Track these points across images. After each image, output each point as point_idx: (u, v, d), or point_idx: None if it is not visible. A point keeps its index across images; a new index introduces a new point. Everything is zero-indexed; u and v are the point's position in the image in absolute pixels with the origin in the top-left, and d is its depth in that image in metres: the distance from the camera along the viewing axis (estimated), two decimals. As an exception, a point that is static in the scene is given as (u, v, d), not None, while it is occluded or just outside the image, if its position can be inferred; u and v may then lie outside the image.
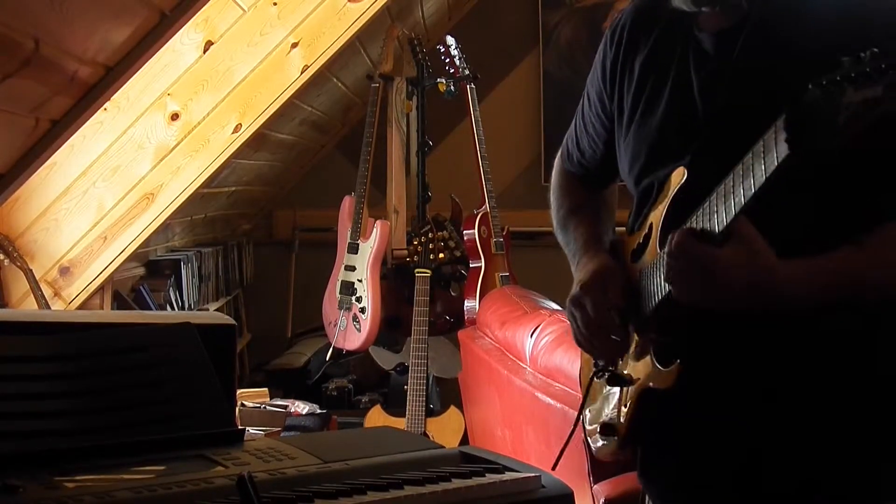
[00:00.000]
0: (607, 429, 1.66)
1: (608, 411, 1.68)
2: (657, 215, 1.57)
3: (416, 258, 4.32)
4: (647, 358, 1.57)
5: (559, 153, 1.95)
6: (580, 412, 1.77)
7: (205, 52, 3.20)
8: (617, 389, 1.66)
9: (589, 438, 1.75)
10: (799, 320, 1.45)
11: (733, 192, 1.34)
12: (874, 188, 1.43)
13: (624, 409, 1.63)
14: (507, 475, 1.59)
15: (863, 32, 1.40)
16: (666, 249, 1.42)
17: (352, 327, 4.73)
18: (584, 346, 1.70)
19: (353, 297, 4.73)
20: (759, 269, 1.37)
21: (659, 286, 1.52)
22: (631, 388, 1.61)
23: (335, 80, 4.78)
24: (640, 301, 1.60)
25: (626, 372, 1.63)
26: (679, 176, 1.53)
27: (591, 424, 1.74)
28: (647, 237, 1.60)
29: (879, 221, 1.42)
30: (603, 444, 1.70)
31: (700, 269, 1.39)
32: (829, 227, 1.43)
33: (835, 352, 1.48)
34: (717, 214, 1.38)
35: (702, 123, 1.54)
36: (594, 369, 1.72)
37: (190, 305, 4.43)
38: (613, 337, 1.63)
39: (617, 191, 1.92)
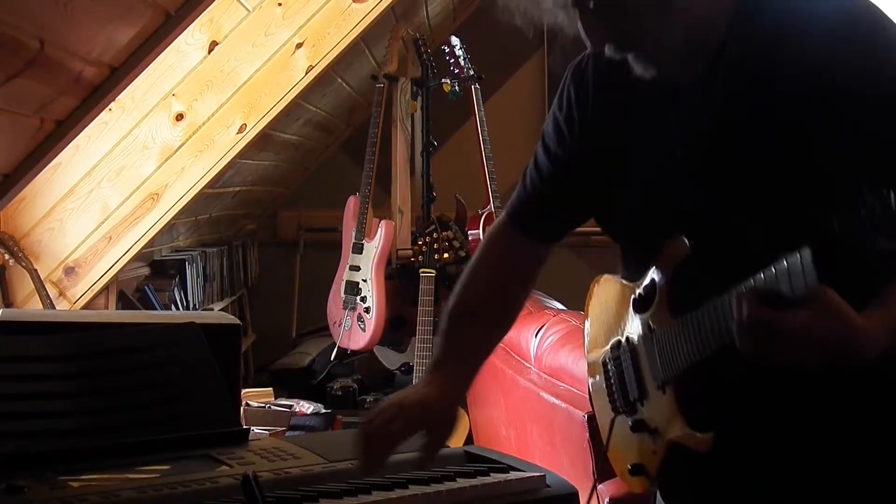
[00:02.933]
0: (638, 469, 1.64)
1: (638, 450, 1.65)
2: (661, 280, 1.55)
3: (420, 258, 4.32)
4: (677, 416, 1.54)
5: (507, 211, 1.77)
6: (605, 450, 1.74)
7: (210, 52, 3.20)
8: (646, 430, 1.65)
9: (619, 474, 1.73)
10: (839, 387, 1.42)
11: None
12: None
13: (653, 454, 1.61)
14: (512, 475, 1.59)
15: (831, 96, 1.37)
16: (737, 319, 1.34)
17: (356, 327, 4.73)
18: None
19: (358, 297, 4.73)
20: (843, 327, 1.29)
21: (684, 355, 1.50)
22: (660, 437, 1.59)
23: (340, 80, 4.78)
24: (657, 361, 1.57)
25: (650, 419, 1.61)
26: (682, 248, 1.50)
27: (620, 459, 1.72)
28: (650, 292, 1.58)
29: None
30: (634, 481, 1.68)
31: (782, 336, 1.30)
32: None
33: (879, 417, 1.46)
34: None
35: (690, 181, 1.50)
36: (612, 412, 1.70)
37: (195, 305, 4.43)
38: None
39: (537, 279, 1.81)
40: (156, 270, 4.25)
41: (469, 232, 4.92)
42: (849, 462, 1.48)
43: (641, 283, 1.60)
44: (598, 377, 1.76)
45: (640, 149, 1.56)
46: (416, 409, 1.56)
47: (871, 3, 1.45)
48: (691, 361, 1.49)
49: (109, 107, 2.86)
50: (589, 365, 1.81)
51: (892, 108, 1.37)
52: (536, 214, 1.74)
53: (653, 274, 1.57)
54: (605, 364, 1.72)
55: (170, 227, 3.93)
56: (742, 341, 1.34)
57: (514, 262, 1.76)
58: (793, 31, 1.42)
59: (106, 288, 3.31)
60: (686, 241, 1.50)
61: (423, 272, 4.29)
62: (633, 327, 1.63)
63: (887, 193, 1.12)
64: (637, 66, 1.47)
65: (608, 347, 1.70)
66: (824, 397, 1.44)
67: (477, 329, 1.71)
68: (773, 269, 1.30)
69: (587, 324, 1.82)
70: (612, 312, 1.71)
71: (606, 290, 1.74)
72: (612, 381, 1.69)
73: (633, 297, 1.62)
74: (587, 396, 1.86)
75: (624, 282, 1.67)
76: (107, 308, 3.36)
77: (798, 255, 1.25)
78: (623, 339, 1.66)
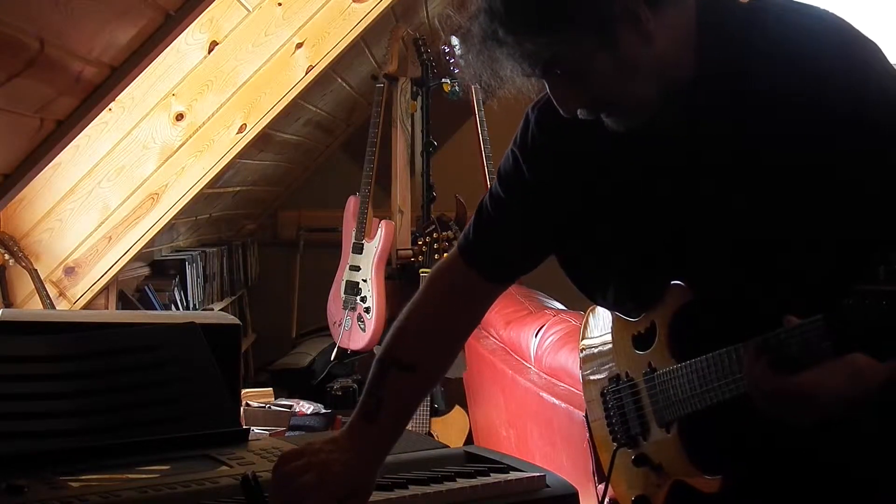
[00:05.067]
0: (642, 501, 1.65)
1: (642, 483, 1.66)
2: (662, 322, 1.55)
3: (420, 258, 4.32)
4: (682, 456, 1.55)
5: (459, 246, 1.69)
6: (606, 483, 1.74)
7: (210, 52, 3.21)
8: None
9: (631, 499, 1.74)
10: (851, 434, 1.42)
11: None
12: None
13: (658, 488, 1.61)
14: (512, 475, 1.59)
15: (826, 126, 1.35)
16: (749, 382, 1.35)
17: (356, 327, 4.73)
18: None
19: (358, 297, 4.73)
20: (854, 373, 1.28)
21: (688, 400, 1.50)
22: (665, 474, 1.60)
23: (340, 80, 4.78)
24: (659, 401, 1.57)
25: (653, 455, 1.62)
26: (685, 295, 1.50)
27: (623, 490, 1.72)
28: (651, 332, 1.58)
29: None
30: None
31: (798, 400, 1.31)
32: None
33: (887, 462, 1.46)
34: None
35: (677, 226, 1.49)
36: (613, 444, 1.70)
37: (195, 305, 4.43)
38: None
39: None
40: (156, 270, 4.25)
41: (469, 232, 4.91)
42: None
43: (641, 322, 1.60)
44: (594, 404, 1.76)
45: (623, 193, 1.53)
46: (341, 481, 1.44)
47: (842, 19, 1.42)
48: (696, 407, 1.49)
49: (109, 107, 2.86)
50: (584, 387, 1.81)
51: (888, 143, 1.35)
52: (492, 254, 1.65)
53: (652, 315, 1.57)
54: (603, 395, 1.72)
55: (170, 227, 3.93)
56: (761, 405, 1.34)
57: (462, 300, 1.65)
58: (771, 56, 1.38)
59: (106, 288, 3.31)
60: (689, 289, 1.49)
61: (423, 272, 4.29)
62: (634, 363, 1.63)
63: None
64: (611, 123, 1.43)
65: (606, 379, 1.71)
66: (835, 443, 1.43)
67: (416, 381, 1.59)
68: (787, 331, 1.30)
69: (583, 346, 1.82)
70: (609, 344, 1.71)
71: (604, 320, 1.74)
72: (612, 413, 1.69)
73: (633, 333, 1.62)
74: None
75: (621, 316, 1.66)
76: (107, 308, 3.36)
77: (814, 321, 1.25)
78: (622, 374, 1.66)
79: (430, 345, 1.61)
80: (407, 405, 1.59)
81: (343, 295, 4.77)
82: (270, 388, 4.30)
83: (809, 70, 1.36)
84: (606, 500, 2.35)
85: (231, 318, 1.91)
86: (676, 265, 1.50)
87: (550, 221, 1.61)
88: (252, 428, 2.18)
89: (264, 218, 5.98)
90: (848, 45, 1.39)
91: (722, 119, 1.41)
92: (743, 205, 1.41)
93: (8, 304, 3.08)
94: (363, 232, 4.75)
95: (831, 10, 1.43)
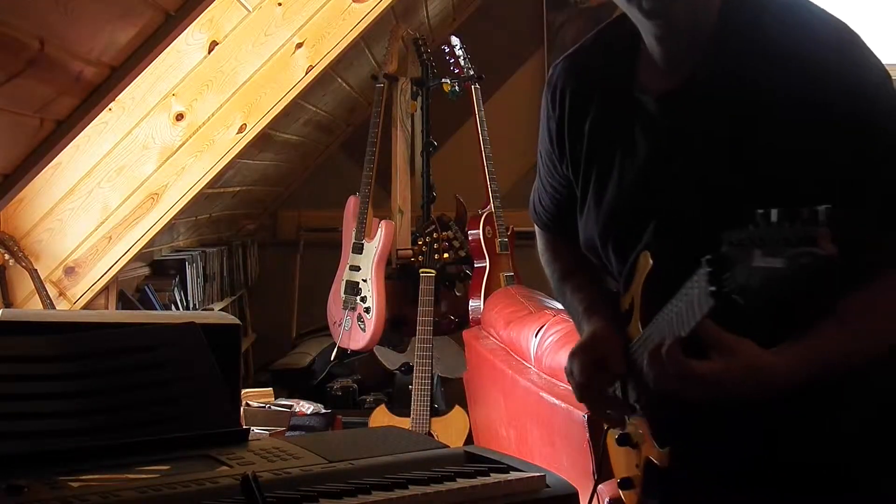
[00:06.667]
0: (627, 483, 1.66)
1: (625, 464, 1.68)
2: (636, 293, 1.56)
3: (420, 258, 4.32)
4: (647, 429, 1.56)
5: (531, 217, 1.91)
6: (598, 464, 1.75)
7: (210, 52, 3.21)
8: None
9: (617, 482, 1.75)
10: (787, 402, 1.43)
11: (677, 320, 1.34)
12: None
13: (637, 468, 1.62)
14: (512, 475, 1.58)
15: (818, 105, 1.38)
16: (648, 370, 1.38)
17: (356, 327, 4.73)
18: (583, 403, 1.68)
19: (358, 297, 4.73)
20: (752, 370, 1.33)
21: (640, 371, 1.50)
22: (640, 452, 1.61)
23: (340, 80, 4.78)
24: (633, 375, 1.58)
25: (634, 433, 1.62)
26: (645, 264, 1.51)
27: (615, 471, 1.74)
28: (632, 305, 1.59)
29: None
30: (625, 494, 1.70)
31: (694, 385, 1.35)
32: None
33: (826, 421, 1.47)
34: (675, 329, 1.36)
35: (655, 199, 1.52)
36: (605, 425, 1.72)
37: (195, 305, 4.43)
38: (606, 396, 1.61)
39: None
40: (156, 270, 4.25)
41: (469, 232, 4.92)
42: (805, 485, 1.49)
43: (626, 297, 1.61)
44: None
45: (609, 165, 1.58)
46: (591, 342, 1.63)
47: (837, 17, 1.45)
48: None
49: (109, 107, 2.86)
50: None
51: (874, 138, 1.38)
52: (560, 222, 1.82)
53: (632, 286, 1.59)
54: None
55: (170, 227, 3.94)
56: (658, 386, 1.39)
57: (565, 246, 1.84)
58: (782, 34, 1.42)
59: (106, 288, 3.31)
60: (649, 256, 1.51)
61: (423, 272, 4.29)
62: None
63: (773, 215, 1.08)
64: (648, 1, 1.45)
65: None
66: (795, 427, 1.46)
67: (579, 276, 1.80)
68: (684, 288, 1.31)
69: None
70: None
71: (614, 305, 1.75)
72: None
73: (623, 309, 1.63)
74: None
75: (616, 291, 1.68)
76: (107, 308, 3.36)
77: (700, 272, 1.24)
78: None
79: (569, 266, 1.82)
80: (591, 293, 1.76)
81: (343, 295, 4.78)
82: (270, 388, 4.31)
83: (807, 66, 1.39)
84: (607, 499, 2.36)
85: (231, 318, 1.91)
86: (646, 234, 1.53)
87: (575, 185, 1.69)
88: (252, 428, 2.18)
89: (264, 218, 5.98)
90: (844, 40, 1.42)
91: (718, 105, 1.45)
92: (723, 182, 1.43)
93: (8, 304, 3.08)
94: (363, 232, 4.75)
95: (827, 9, 1.47)
